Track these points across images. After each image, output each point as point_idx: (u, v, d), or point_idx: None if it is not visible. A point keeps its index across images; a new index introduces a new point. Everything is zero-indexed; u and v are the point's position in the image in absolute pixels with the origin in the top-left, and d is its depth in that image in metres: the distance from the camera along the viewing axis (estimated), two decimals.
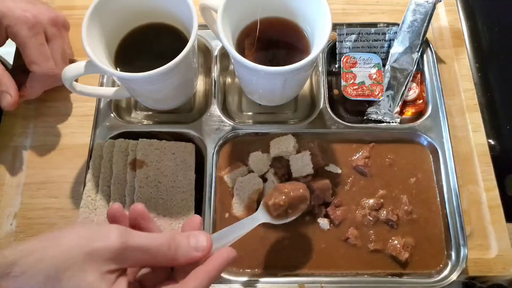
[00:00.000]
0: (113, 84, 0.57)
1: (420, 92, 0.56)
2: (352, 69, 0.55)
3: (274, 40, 0.52)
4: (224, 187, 0.51)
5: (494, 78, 0.60)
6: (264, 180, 0.50)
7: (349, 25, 0.58)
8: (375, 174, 0.52)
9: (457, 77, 0.58)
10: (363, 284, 0.47)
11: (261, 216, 0.42)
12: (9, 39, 0.47)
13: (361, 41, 0.56)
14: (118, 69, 0.48)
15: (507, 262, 0.48)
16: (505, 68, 0.62)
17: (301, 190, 0.42)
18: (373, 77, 0.55)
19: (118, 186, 0.49)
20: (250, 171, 0.51)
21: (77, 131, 0.54)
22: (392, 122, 0.53)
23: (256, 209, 0.50)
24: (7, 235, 0.49)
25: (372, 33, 0.57)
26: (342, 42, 0.57)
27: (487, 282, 0.48)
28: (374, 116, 0.54)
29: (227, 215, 0.50)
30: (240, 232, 0.38)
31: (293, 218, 0.43)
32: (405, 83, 0.55)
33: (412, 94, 0.55)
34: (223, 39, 0.43)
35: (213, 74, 0.56)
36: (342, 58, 0.56)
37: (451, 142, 0.52)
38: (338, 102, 0.56)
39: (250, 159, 0.51)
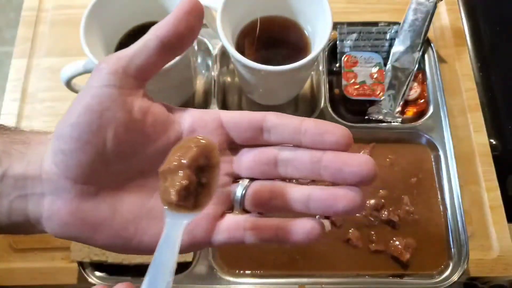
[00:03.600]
0: None
1: (422, 92, 0.55)
2: (353, 68, 0.55)
3: (275, 39, 0.51)
4: None
5: (496, 78, 0.59)
6: None
7: (350, 24, 0.57)
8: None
9: (458, 77, 0.57)
10: (364, 285, 0.46)
11: (177, 224, 0.23)
12: None
13: (362, 40, 0.56)
14: None
15: (509, 263, 0.48)
16: (506, 68, 0.61)
17: (192, 145, 0.23)
18: (374, 77, 0.55)
19: None
20: None
21: None
22: (393, 122, 0.53)
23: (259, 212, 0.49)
24: (5, 235, 0.49)
25: (373, 32, 0.56)
26: (343, 41, 0.56)
27: (489, 283, 0.48)
28: (375, 116, 0.53)
29: None
30: (168, 270, 0.22)
31: (216, 183, 0.24)
32: (406, 83, 0.54)
33: (414, 93, 0.55)
34: (223, 38, 0.43)
35: (212, 74, 0.56)
36: (343, 57, 0.56)
37: (452, 142, 0.51)
38: (339, 101, 0.56)
39: None
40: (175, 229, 0.23)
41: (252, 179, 0.26)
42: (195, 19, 0.25)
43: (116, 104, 0.24)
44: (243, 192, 0.26)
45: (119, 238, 0.25)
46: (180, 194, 0.22)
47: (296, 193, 0.25)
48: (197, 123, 0.26)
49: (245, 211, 0.26)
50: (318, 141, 0.24)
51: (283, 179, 0.26)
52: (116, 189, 0.25)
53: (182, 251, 0.25)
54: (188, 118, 0.26)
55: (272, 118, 0.25)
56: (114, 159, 0.24)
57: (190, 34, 0.25)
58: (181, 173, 0.23)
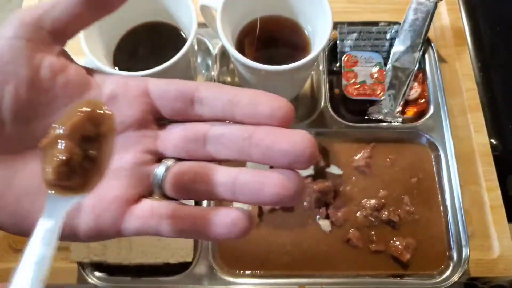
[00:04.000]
0: None
1: (422, 92, 0.55)
2: (353, 68, 0.55)
3: (275, 39, 0.51)
4: None
5: (496, 78, 0.59)
6: None
7: (350, 23, 0.57)
8: (376, 174, 0.51)
9: (458, 77, 0.57)
10: (364, 285, 0.46)
11: (56, 209, 0.19)
12: None
13: (362, 40, 0.56)
14: (116, 68, 0.48)
15: (509, 263, 0.48)
16: (507, 68, 0.61)
17: (77, 111, 0.19)
18: (375, 76, 0.55)
19: None
20: None
21: None
22: (394, 122, 0.53)
23: (259, 213, 0.49)
24: (5, 236, 0.49)
25: (374, 32, 0.56)
26: (343, 41, 0.56)
27: (489, 283, 0.48)
28: (375, 116, 0.53)
29: None
30: (44, 264, 0.18)
31: (110, 157, 0.20)
32: (407, 83, 0.54)
33: (414, 93, 0.55)
34: (223, 38, 0.43)
35: (212, 73, 0.56)
36: (343, 57, 0.56)
37: (452, 142, 0.51)
38: (339, 101, 0.56)
39: (248, 163, 0.51)
40: (54, 215, 0.19)
41: (178, 159, 0.23)
42: None
43: (21, 58, 0.21)
44: (164, 173, 0.22)
45: (12, 215, 0.21)
46: (58, 171, 0.18)
47: (223, 176, 0.21)
48: (119, 89, 0.23)
49: (166, 196, 0.23)
50: (251, 113, 0.21)
51: (213, 159, 0.22)
52: (13, 157, 0.22)
53: (87, 239, 0.22)
54: (110, 84, 0.23)
55: (205, 88, 0.22)
56: (12, 121, 0.21)
57: None
58: (61, 145, 0.19)
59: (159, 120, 0.24)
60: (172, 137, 0.23)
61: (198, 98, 0.22)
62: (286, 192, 0.20)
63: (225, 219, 0.20)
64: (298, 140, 0.20)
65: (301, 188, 0.20)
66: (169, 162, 0.22)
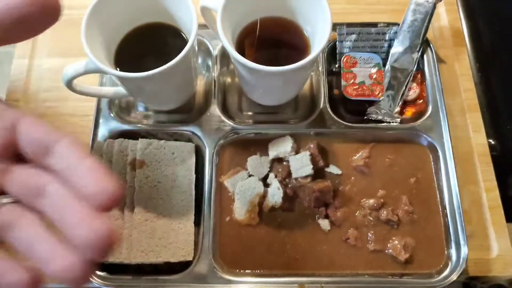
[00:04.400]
0: (113, 84, 0.57)
1: (421, 92, 0.55)
2: (353, 69, 0.55)
3: (274, 40, 0.52)
4: (225, 191, 0.51)
5: (495, 78, 0.60)
6: (266, 185, 0.50)
7: (349, 24, 0.57)
8: (375, 174, 0.52)
9: (457, 77, 0.57)
10: (363, 285, 0.47)
11: None
12: None
13: (361, 40, 0.56)
14: (117, 69, 0.48)
15: (508, 262, 0.48)
16: (505, 68, 0.62)
17: None
18: (374, 77, 0.55)
19: None
20: (251, 175, 0.51)
21: (77, 131, 0.54)
22: (393, 122, 0.53)
23: (259, 212, 0.49)
24: None
25: (372, 33, 0.56)
26: (342, 41, 0.57)
27: (488, 282, 0.48)
28: (374, 116, 0.54)
29: (228, 218, 0.49)
30: None
31: None
32: (406, 83, 0.55)
33: (413, 94, 0.55)
34: (223, 39, 0.43)
35: (213, 74, 0.56)
36: (342, 58, 0.56)
37: (451, 142, 0.52)
38: (338, 102, 0.56)
39: (248, 163, 0.51)
40: None
41: (17, 201, 0.23)
42: (39, 13, 0.22)
43: None
44: None
45: None
46: None
47: (27, 233, 0.21)
48: None
49: None
50: (82, 184, 0.21)
51: (40, 212, 0.22)
52: None
53: None
54: None
55: (64, 143, 0.22)
56: None
57: (29, 26, 0.23)
58: None
59: (19, 156, 0.23)
60: (19, 177, 0.23)
61: (55, 149, 0.22)
62: (70, 274, 0.20)
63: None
64: (97, 231, 0.20)
65: (81, 276, 0.20)
66: (4, 200, 0.22)
